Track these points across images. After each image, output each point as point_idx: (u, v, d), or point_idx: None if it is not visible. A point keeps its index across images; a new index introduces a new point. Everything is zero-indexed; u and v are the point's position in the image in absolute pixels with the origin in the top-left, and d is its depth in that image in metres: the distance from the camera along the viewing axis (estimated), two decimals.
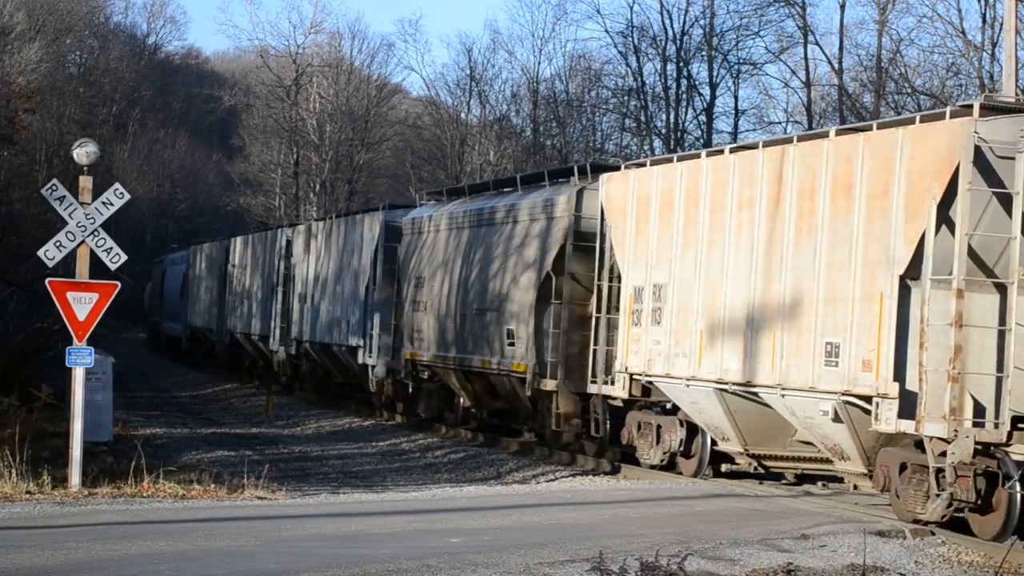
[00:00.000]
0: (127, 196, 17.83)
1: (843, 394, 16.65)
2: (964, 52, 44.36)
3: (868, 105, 47.34)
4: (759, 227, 18.56)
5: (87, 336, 17.20)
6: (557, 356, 23.94)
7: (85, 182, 17.52)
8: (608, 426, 22.98)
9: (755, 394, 18.63)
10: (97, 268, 17.71)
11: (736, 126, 55.36)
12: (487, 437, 27.86)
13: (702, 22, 55.42)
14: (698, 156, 20.62)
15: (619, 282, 22.19)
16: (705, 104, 55.84)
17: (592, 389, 22.82)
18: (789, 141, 18.45)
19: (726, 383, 18.97)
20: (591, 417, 23.21)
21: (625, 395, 21.71)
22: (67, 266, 20.21)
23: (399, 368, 31.11)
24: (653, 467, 21.47)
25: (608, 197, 22.57)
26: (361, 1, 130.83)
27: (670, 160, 21.53)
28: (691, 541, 13.43)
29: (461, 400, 28.84)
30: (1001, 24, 36.04)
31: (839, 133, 17.54)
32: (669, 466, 21.49)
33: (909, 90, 45.56)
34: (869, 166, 16.63)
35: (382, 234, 32.74)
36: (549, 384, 23.99)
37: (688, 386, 19.87)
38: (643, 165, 22.12)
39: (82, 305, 17.13)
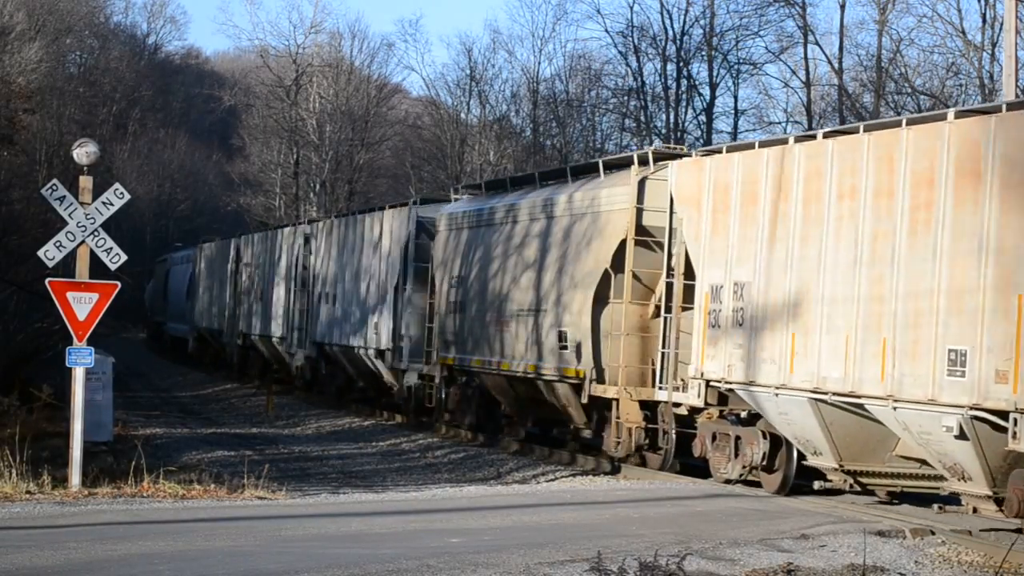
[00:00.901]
0: (127, 196, 17.83)
1: (971, 408, 15.06)
2: (964, 52, 44.39)
3: (868, 105, 47.35)
4: (864, 219, 16.92)
5: (87, 336, 17.20)
6: (618, 360, 22.17)
7: (85, 182, 17.52)
8: (666, 435, 21.46)
9: (859, 406, 16.93)
10: (97, 268, 17.71)
11: (736, 126, 55.43)
12: (487, 437, 27.85)
13: (702, 22, 55.51)
14: (784, 141, 18.75)
15: (687, 279, 20.66)
16: (705, 104, 55.89)
17: (660, 396, 21.17)
18: (897, 124, 16.85)
19: (824, 392, 17.16)
20: (659, 428, 21.54)
21: (700, 403, 19.95)
22: (67, 266, 20.21)
23: (434, 373, 29.17)
24: (730, 481, 19.55)
25: (679, 187, 20.80)
26: (361, 1, 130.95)
27: (751, 146, 19.59)
28: (691, 541, 13.43)
29: (503, 408, 27.21)
30: (1001, 24, 36.04)
31: (959, 115, 15.94)
32: (748, 481, 19.53)
33: (909, 90, 45.59)
34: (1002, 150, 15.00)
35: (413, 230, 30.86)
36: (610, 391, 22.22)
37: (777, 395, 17.99)
38: (718, 151, 20.33)
39: (82, 305, 17.13)
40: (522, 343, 24.81)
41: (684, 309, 20.92)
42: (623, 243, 22.09)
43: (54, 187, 17.51)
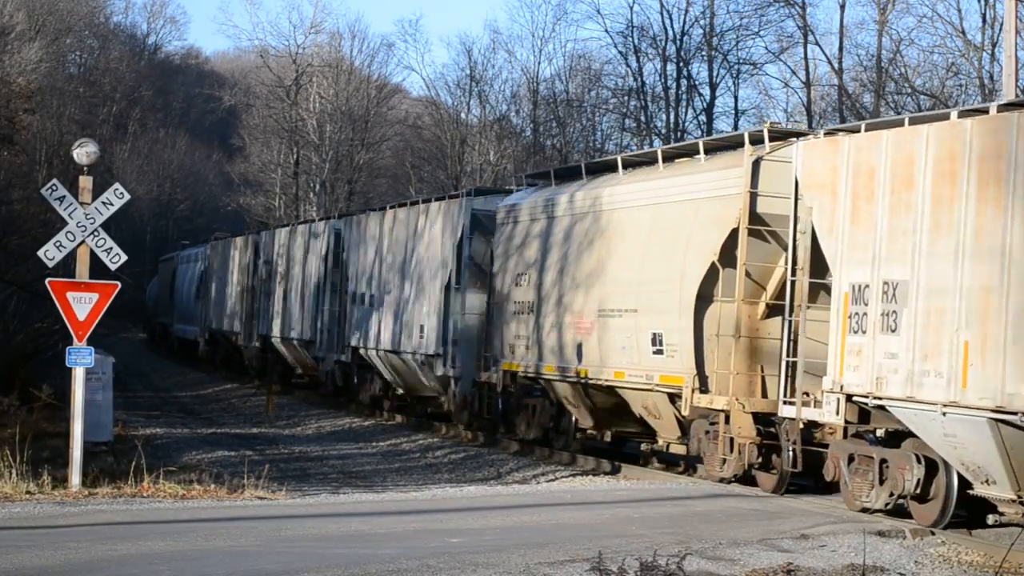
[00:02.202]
0: (127, 196, 17.83)
1: None
2: (964, 52, 44.38)
3: (868, 105, 47.33)
4: None
5: (87, 336, 17.21)
6: (727, 367, 19.42)
7: (85, 182, 17.53)
8: (792, 455, 18.54)
9: None
10: (97, 268, 17.71)
11: (736, 126, 55.35)
12: (487, 437, 27.84)
13: (702, 22, 55.53)
14: (945, 117, 16.03)
15: (808, 276, 18.19)
16: (705, 104, 55.90)
17: (787, 412, 18.18)
18: None
19: (1012, 413, 14.46)
20: (783, 445, 18.71)
21: (840, 421, 17.08)
22: (67, 266, 20.22)
23: (492, 380, 26.50)
24: (873, 511, 16.88)
25: (807, 170, 17.98)
26: (361, 1, 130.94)
27: (900, 123, 16.79)
28: (691, 541, 13.43)
29: (575, 419, 24.48)
30: (1001, 24, 36.05)
31: None
32: (893, 511, 16.93)
33: (909, 90, 45.57)
34: None
35: (467, 224, 28.01)
36: (717, 402, 19.44)
37: (944, 414, 15.32)
38: (855, 130, 17.60)
39: (82, 305, 17.13)
40: (605, 347, 22.20)
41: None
42: (733, 233, 19.43)
43: (54, 187, 17.51)
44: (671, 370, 20.45)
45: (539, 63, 65.13)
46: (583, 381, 23.07)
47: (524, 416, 25.90)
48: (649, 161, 22.91)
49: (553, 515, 15.85)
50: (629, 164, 23.37)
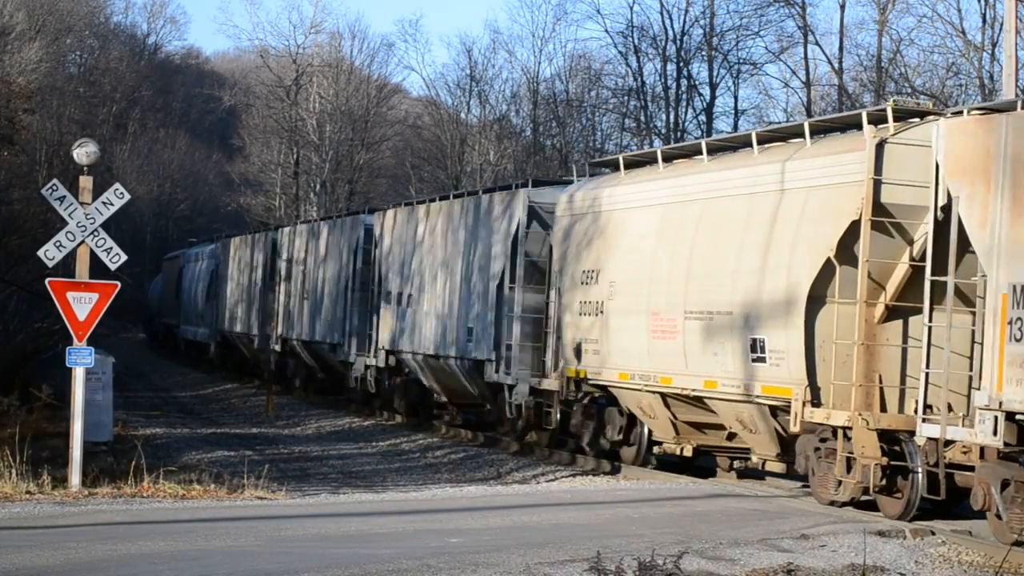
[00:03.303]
0: (127, 196, 17.84)
1: None
2: (964, 52, 44.38)
3: (868, 105, 47.32)
4: None
5: (87, 336, 17.21)
6: (846, 377, 17.09)
7: (85, 182, 17.53)
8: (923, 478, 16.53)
9: None
10: (97, 268, 17.71)
11: (736, 126, 55.37)
12: (487, 437, 27.84)
13: (702, 22, 55.53)
14: None
15: (953, 275, 15.96)
16: (705, 104, 55.91)
17: (928, 432, 15.91)
18: None
19: None
20: (913, 467, 16.68)
21: (997, 443, 14.93)
22: (67, 266, 20.22)
23: (552, 388, 24.33)
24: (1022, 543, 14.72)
25: (952, 154, 15.87)
26: (361, 1, 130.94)
27: None
28: (691, 541, 13.43)
29: (646, 430, 22.50)
30: (1001, 24, 36.04)
31: None
32: None
33: (909, 90, 45.53)
34: None
35: (524, 218, 25.66)
36: (836, 417, 17.00)
37: None
38: (1007, 108, 15.56)
39: (82, 305, 17.14)
40: (692, 353, 19.98)
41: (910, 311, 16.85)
42: (851, 226, 17.06)
43: (54, 187, 17.52)
44: (775, 380, 18.05)
45: (539, 63, 65.23)
46: (662, 390, 20.80)
47: (590, 427, 23.72)
48: (739, 146, 20.71)
49: (553, 515, 15.85)
50: (715, 149, 21.09)
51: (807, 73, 52.59)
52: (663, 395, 21.04)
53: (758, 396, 18.45)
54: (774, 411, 18.53)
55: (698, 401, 20.31)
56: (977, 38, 43.97)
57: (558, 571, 11.64)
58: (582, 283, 23.20)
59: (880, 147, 17.02)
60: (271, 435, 30.69)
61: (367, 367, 33.64)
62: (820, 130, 18.87)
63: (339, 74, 73.71)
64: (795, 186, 18.30)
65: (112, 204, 17.57)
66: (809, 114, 49.84)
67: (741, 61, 55.94)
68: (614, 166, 24.01)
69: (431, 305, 29.53)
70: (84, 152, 17.49)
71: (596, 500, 17.81)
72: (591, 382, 23.04)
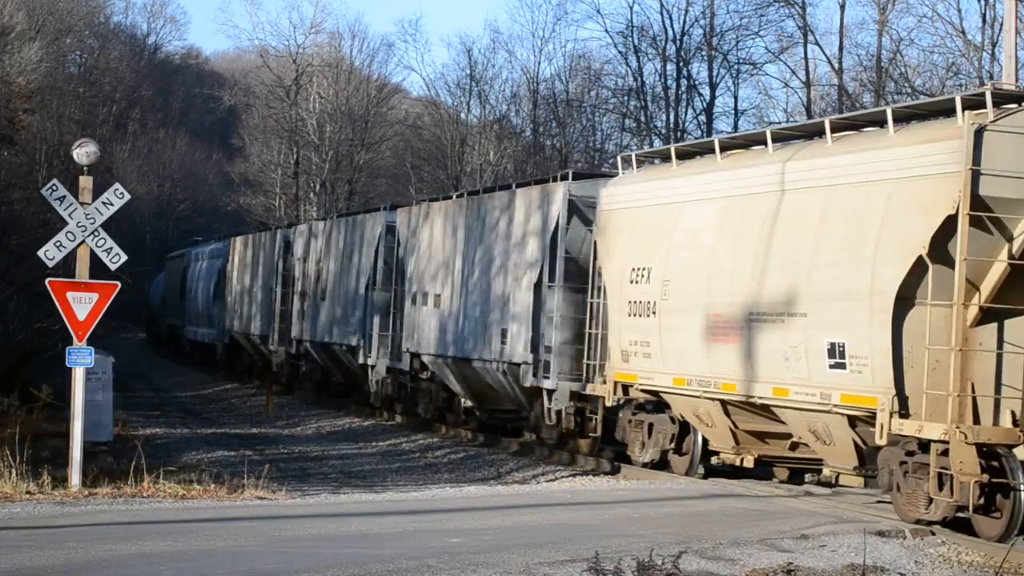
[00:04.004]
0: (127, 196, 17.85)
1: None
2: (964, 52, 44.39)
3: (868, 105, 47.33)
4: None
5: (87, 336, 17.21)
6: (941, 386, 15.65)
7: (85, 182, 17.53)
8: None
9: None
10: (97, 268, 17.72)
11: (736, 126, 55.38)
12: (487, 437, 27.84)
13: (702, 22, 55.52)
14: None
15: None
16: (705, 104, 55.90)
17: None
18: None
19: None
20: (1017, 487, 15.43)
21: None
22: (67, 266, 20.22)
23: (597, 394, 22.82)
24: None
25: None
26: (361, 1, 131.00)
27: None
28: (691, 541, 13.44)
29: (699, 439, 20.93)
30: (1001, 24, 36.05)
31: None
32: None
33: (909, 90, 45.55)
34: None
35: (564, 212, 24.24)
36: (930, 429, 15.50)
37: None
38: None
39: (82, 305, 17.14)
40: (758, 358, 18.40)
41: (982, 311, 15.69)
42: (947, 221, 15.65)
43: (54, 187, 17.52)
44: (857, 388, 16.58)
45: (539, 63, 65.20)
46: (724, 397, 19.34)
47: (638, 435, 22.10)
48: (809, 135, 19.32)
49: (553, 515, 15.85)
50: (780, 139, 19.61)
51: (807, 73, 52.62)
52: (723, 402, 19.50)
53: (836, 405, 16.95)
54: (853, 421, 17.07)
55: (764, 409, 18.78)
56: (977, 38, 44.01)
57: (558, 571, 11.64)
58: (631, 282, 21.54)
59: (979, 135, 15.56)
60: (271, 435, 30.70)
61: (388, 370, 32.34)
62: (903, 118, 17.53)
63: (339, 74, 73.72)
64: (879, 178, 16.78)
65: (112, 204, 17.57)
66: (809, 114, 49.84)
67: (741, 61, 55.99)
68: (662, 157, 22.81)
69: (460, 307, 28.02)
70: (84, 152, 17.50)
71: (596, 500, 17.81)
72: (641, 387, 21.50)
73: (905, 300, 16.04)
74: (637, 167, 22.95)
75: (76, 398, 17.14)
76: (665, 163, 22.35)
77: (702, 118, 56.01)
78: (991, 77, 41.50)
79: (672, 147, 22.07)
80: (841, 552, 13.65)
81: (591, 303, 23.21)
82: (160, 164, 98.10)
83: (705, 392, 19.62)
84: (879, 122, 17.72)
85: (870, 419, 16.46)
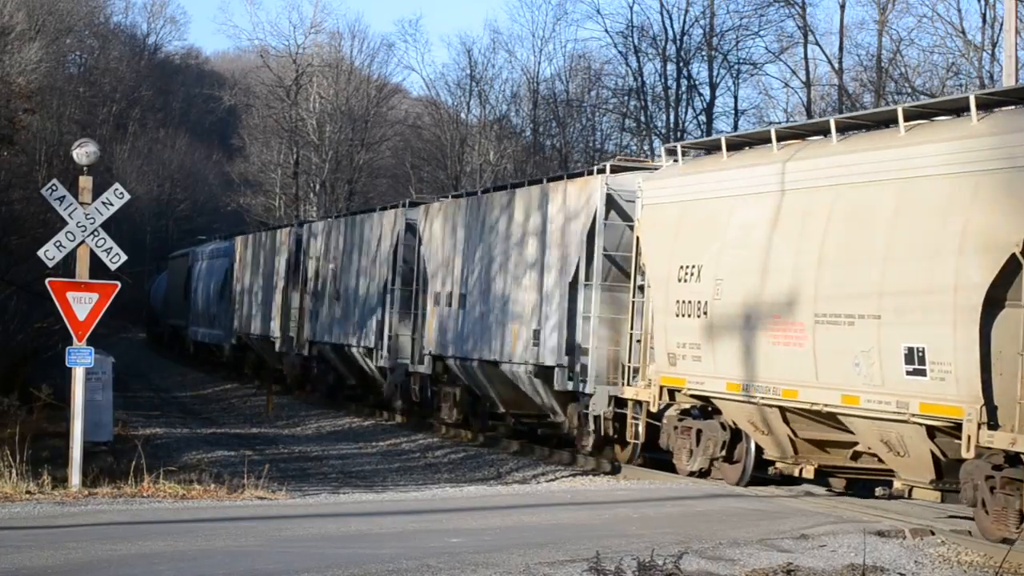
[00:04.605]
0: (127, 196, 17.85)
1: None
2: (964, 52, 44.39)
3: (868, 105, 47.33)
4: None
5: (87, 336, 17.21)
6: None
7: (85, 182, 17.53)
8: None
9: None
10: (97, 268, 17.72)
11: (736, 126, 55.38)
12: (487, 437, 27.83)
13: (702, 22, 55.54)
14: None
15: None
16: (705, 104, 55.91)
17: None
18: None
19: None
20: None
21: None
22: (67, 266, 20.22)
23: (640, 398, 21.53)
24: None
25: None
26: (361, 1, 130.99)
27: None
28: (691, 541, 13.43)
29: (752, 446, 19.62)
30: (1001, 24, 36.06)
31: None
32: None
33: (909, 90, 45.55)
34: None
35: (602, 207, 22.86)
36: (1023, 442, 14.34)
37: None
38: None
39: (82, 305, 17.14)
40: (825, 363, 17.19)
41: None
42: None
43: (54, 187, 17.52)
44: (939, 397, 15.38)
45: (539, 63, 65.24)
46: (785, 404, 18.07)
47: (685, 442, 20.61)
48: (877, 123, 18.05)
49: (553, 515, 15.86)
50: (845, 128, 18.29)
51: (807, 73, 52.62)
52: (782, 409, 18.23)
53: (915, 415, 15.77)
54: (931, 432, 15.90)
55: (829, 418, 17.57)
56: (977, 38, 44.01)
57: (558, 571, 11.64)
58: (679, 280, 20.16)
59: None
60: (271, 435, 30.70)
61: (409, 374, 31.00)
62: (987, 104, 16.15)
63: (339, 74, 73.76)
64: (962, 170, 15.56)
65: (112, 204, 17.57)
66: (809, 114, 49.78)
67: (741, 61, 56.01)
68: (708, 148, 21.52)
69: (486, 307, 26.68)
70: (84, 152, 17.50)
71: (596, 500, 17.81)
72: (690, 392, 20.18)
73: (994, 302, 14.85)
74: (682, 158, 21.67)
75: (76, 398, 17.14)
76: (711, 155, 21.05)
77: (702, 118, 56.04)
78: (991, 77, 41.51)
79: (723, 137, 20.72)
80: (841, 552, 13.66)
81: (631, 302, 22.06)
82: (160, 164, 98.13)
83: (763, 398, 18.28)
84: (955, 110, 16.59)
85: (952, 430, 15.39)
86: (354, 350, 34.56)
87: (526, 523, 15.05)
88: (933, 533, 15.12)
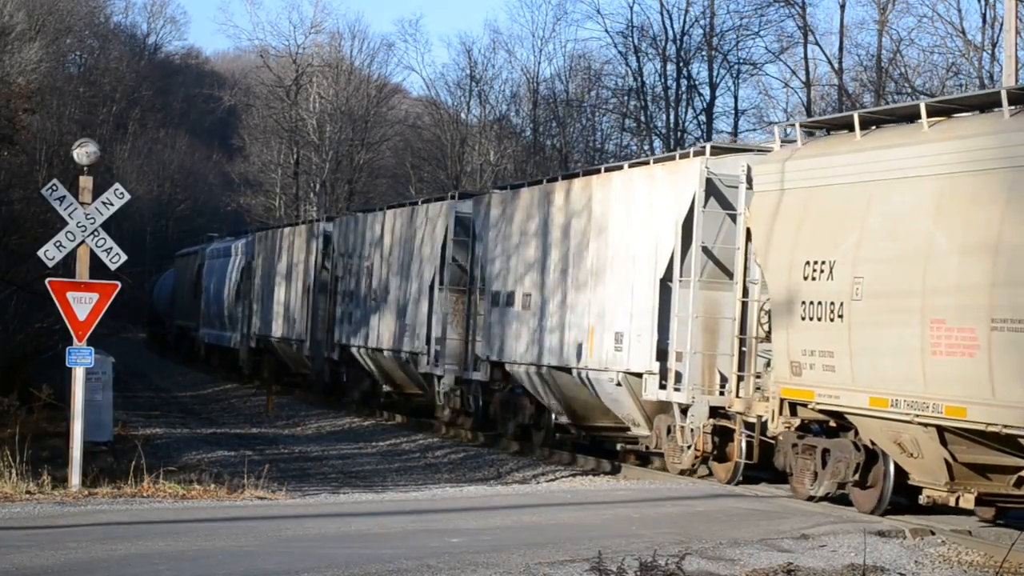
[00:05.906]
0: (127, 196, 17.85)
1: None
2: (964, 52, 44.39)
3: (868, 105, 47.34)
4: None
5: (87, 336, 17.21)
6: None
7: (85, 182, 17.53)
8: None
9: None
10: (97, 268, 17.72)
11: (736, 126, 55.42)
12: (487, 437, 27.81)
13: (702, 22, 55.52)
14: None
15: None
16: (705, 104, 55.89)
17: None
18: None
19: None
20: None
21: None
22: (67, 266, 20.22)
23: (759, 413, 18.96)
24: None
25: None
26: (361, 1, 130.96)
27: None
28: (691, 541, 13.43)
29: (891, 468, 17.21)
30: (1001, 24, 36.04)
31: None
32: None
33: (909, 90, 45.55)
34: None
35: (701, 193, 20.39)
36: None
37: None
38: None
39: (82, 305, 17.14)
40: (1002, 376, 14.81)
41: None
42: None
43: (54, 187, 17.52)
44: None
45: (539, 63, 65.24)
46: (946, 423, 15.55)
47: (808, 463, 18.11)
48: (992, 102, 16.01)
49: (553, 515, 15.85)
50: (1017, 99, 15.51)
51: (807, 73, 52.59)
52: (940, 428, 15.74)
53: None
54: None
55: (1007, 441, 15.08)
56: (977, 38, 44.01)
57: (558, 571, 11.64)
58: (805, 278, 17.66)
59: None
60: (271, 435, 30.69)
61: (459, 380, 28.70)
62: None
63: (339, 74, 73.77)
64: None
65: (112, 204, 17.57)
66: (809, 114, 49.74)
67: (741, 61, 55.98)
68: (837, 126, 18.67)
69: (556, 307, 24.34)
70: (84, 152, 17.50)
71: (596, 500, 17.81)
72: (819, 407, 17.61)
73: None
74: (802, 139, 18.99)
75: (76, 398, 17.14)
76: (841, 133, 18.42)
77: (702, 118, 56.04)
78: (991, 77, 41.52)
79: (855, 114, 17.86)
80: (841, 552, 13.65)
81: (740, 303, 19.84)
82: (160, 164, 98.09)
83: (918, 416, 15.73)
84: None
85: None
86: (393, 355, 32.06)
87: (526, 523, 15.05)
88: (933, 533, 15.12)
